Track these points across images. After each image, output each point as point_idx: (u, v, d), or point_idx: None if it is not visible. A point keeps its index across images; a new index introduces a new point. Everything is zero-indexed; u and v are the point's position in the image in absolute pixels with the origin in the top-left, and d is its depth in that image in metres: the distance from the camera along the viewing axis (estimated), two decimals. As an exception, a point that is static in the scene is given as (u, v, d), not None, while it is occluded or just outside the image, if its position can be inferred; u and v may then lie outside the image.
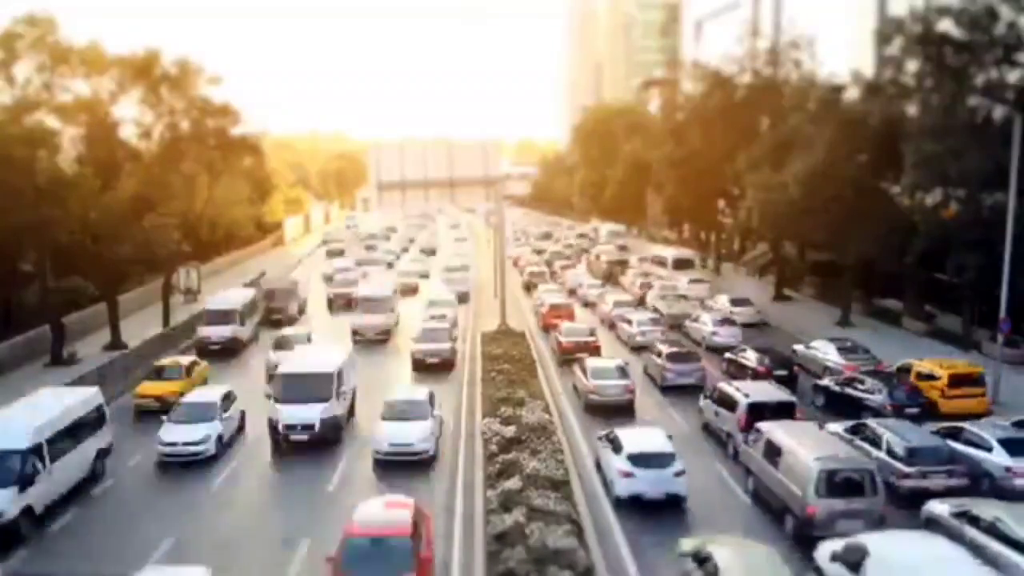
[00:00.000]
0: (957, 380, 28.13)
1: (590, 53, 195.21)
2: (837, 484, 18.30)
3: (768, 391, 25.55)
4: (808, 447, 19.39)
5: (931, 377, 28.61)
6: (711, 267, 67.98)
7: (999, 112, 33.33)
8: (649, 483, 20.62)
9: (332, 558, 15.74)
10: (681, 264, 60.91)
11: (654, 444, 21.43)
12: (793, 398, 25.65)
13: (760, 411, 23.66)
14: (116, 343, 40.24)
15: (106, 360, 34.41)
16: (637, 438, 21.92)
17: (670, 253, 64.49)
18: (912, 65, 35.75)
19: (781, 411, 23.93)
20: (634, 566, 17.86)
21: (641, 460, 20.78)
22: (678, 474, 20.77)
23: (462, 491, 21.98)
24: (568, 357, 35.11)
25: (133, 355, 36.25)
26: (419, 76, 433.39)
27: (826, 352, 33.65)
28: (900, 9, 38.64)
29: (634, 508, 20.61)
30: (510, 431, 23.06)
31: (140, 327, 43.14)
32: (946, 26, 33.86)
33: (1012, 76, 32.95)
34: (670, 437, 22.15)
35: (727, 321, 40.04)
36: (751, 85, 53.88)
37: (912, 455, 20.80)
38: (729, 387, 26.03)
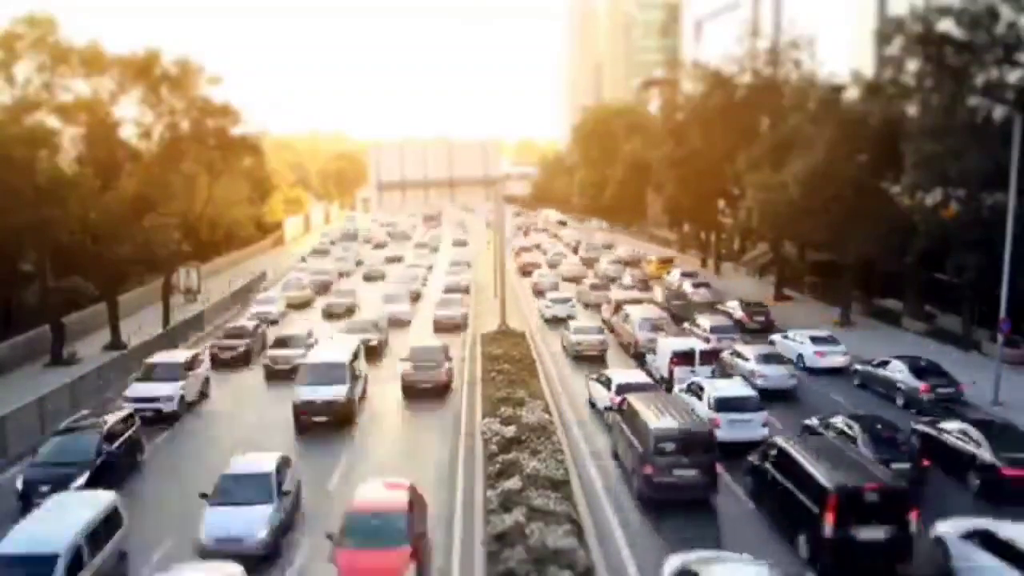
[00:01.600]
0: (661, 261, 65.25)
1: (590, 53, 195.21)
2: (650, 326, 37.22)
3: (650, 309, 41.03)
4: (639, 311, 39.33)
5: (648, 261, 66.42)
6: (711, 267, 68.01)
7: (999, 112, 33.33)
8: (558, 311, 45.46)
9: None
10: (561, 224, 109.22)
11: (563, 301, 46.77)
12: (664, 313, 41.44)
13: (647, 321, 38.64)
14: (116, 343, 40.25)
15: (106, 360, 34.46)
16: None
17: (556, 216, 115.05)
18: (912, 65, 35.73)
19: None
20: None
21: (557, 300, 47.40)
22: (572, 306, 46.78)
23: (462, 487, 22.08)
24: (525, 271, 64.33)
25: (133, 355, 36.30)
26: (419, 75, 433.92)
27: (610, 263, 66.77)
28: (900, 9, 38.62)
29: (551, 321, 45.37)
30: (510, 431, 23.07)
31: (140, 327, 43.15)
32: (946, 26, 33.84)
33: (1012, 76, 32.93)
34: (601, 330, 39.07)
35: (617, 261, 67.93)
36: (751, 85, 53.89)
37: (713, 330, 37.57)
38: (628, 308, 40.60)
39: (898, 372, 30.06)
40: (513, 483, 19.16)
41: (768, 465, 19.95)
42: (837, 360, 34.40)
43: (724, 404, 24.84)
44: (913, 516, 16.84)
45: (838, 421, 23.38)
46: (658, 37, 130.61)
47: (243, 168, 52.10)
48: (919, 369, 29.77)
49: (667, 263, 64.39)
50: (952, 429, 22.86)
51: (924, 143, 34.46)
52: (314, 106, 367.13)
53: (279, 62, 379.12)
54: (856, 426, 22.50)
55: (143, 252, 41.06)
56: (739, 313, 44.26)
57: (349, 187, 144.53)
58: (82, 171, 38.62)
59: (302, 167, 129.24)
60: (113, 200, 38.17)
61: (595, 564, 16.94)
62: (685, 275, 55.98)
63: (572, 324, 39.39)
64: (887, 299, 46.40)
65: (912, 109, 37.71)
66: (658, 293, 51.03)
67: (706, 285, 53.19)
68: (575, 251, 78.69)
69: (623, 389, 26.32)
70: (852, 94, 41.44)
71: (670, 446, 20.21)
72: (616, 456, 24.09)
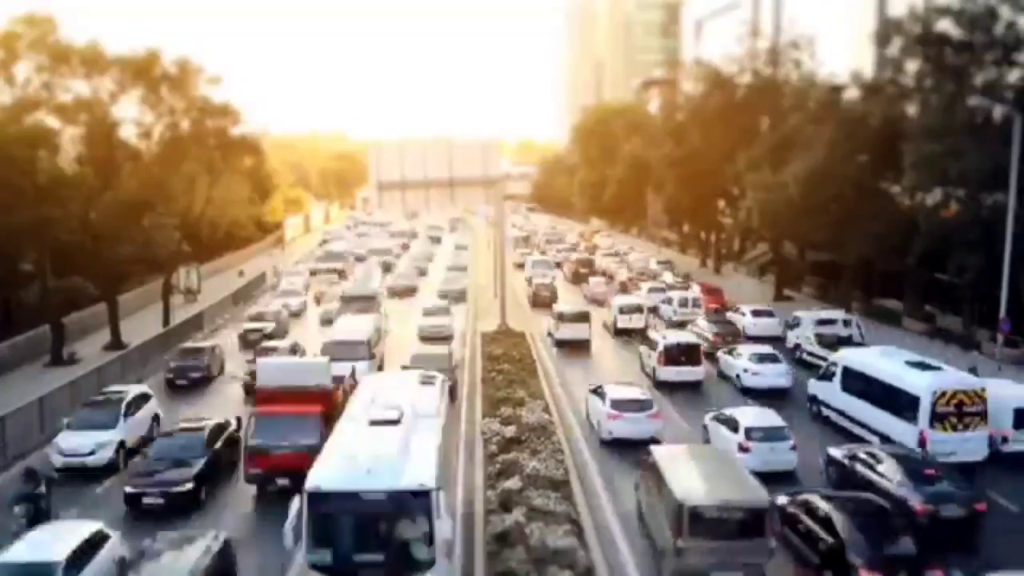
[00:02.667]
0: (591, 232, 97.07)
1: (590, 53, 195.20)
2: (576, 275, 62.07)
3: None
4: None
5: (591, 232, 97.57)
6: (711, 267, 68.02)
7: (999, 112, 33.35)
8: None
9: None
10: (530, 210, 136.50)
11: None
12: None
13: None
14: (116, 343, 40.24)
15: (106, 360, 34.45)
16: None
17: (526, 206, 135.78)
18: (912, 65, 35.80)
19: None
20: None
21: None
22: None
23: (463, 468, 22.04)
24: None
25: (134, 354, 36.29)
26: (419, 76, 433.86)
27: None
28: (900, 9, 38.66)
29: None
30: (510, 431, 23.07)
31: (140, 327, 43.14)
32: (945, 26, 33.91)
33: (1012, 76, 32.98)
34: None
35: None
36: (751, 85, 53.92)
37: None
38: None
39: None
40: (513, 483, 19.17)
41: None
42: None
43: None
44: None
45: None
46: (658, 37, 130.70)
47: (243, 168, 51.97)
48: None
49: (595, 232, 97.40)
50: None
51: (924, 143, 34.47)
52: (314, 106, 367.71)
53: (279, 62, 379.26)
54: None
55: (143, 252, 41.07)
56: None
57: (349, 187, 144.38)
58: (82, 171, 38.60)
59: (302, 167, 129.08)
60: (113, 200, 38.14)
61: (595, 564, 16.94)
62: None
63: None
64: (887, 299, 46.40)
65: (912, 109, 37.74)
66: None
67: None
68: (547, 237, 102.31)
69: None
70: (852, 94, 41.47)
71: None
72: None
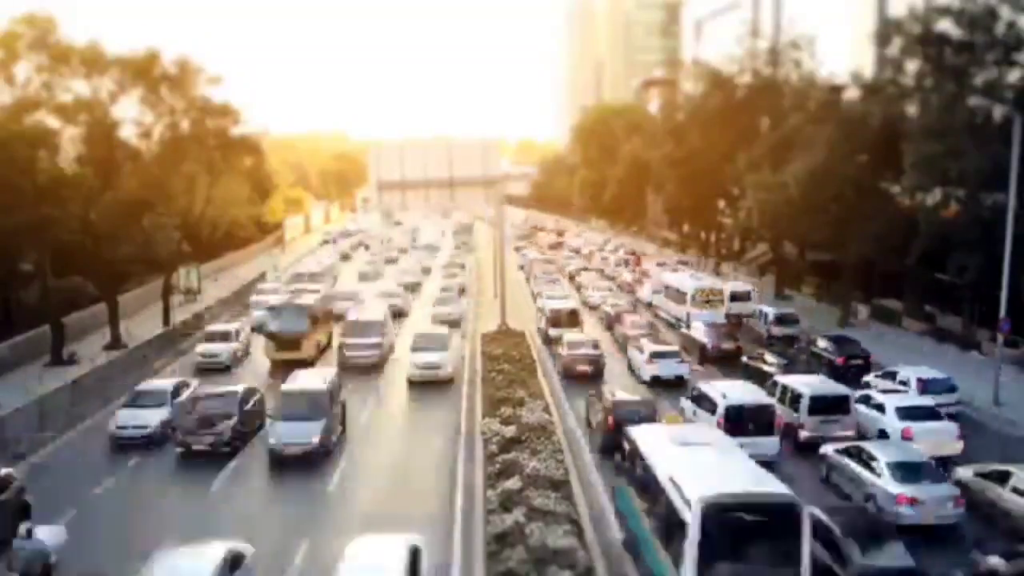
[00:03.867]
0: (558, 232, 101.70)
1: (590, 53, 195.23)
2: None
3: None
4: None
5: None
6: (711, 267, 68.01)
7: (999, 112, 33.32)
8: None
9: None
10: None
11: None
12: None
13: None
14: (116, 343, 40.22)
15: (106, 360, 34.43)
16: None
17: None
18: (912, 65, 35.79)
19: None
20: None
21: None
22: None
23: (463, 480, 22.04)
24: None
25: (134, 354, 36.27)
26: (419, 76, 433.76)
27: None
28: (900, 9, 38.65)
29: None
30: (510, 431, 23.07)
31: (140, 327, 43.12)
32: (945, 26, 33.89)
33: (1012, 76, 32.95)
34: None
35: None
36: (751, 85, 53.89)
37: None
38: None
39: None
40: (513, 483, 19.16)
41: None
42: None
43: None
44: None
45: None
46: (658, 37, 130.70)
47: (243, 168, 51.95)
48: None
49: (559, 221, 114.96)
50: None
51: (924, 143, 34.42)
52: (314, 106, 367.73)
53: (279, 62, 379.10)
54: None
55: (143, 252, 41.01)
56: None
57: (349, 187, 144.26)
58: (82, 171, 38.59)
59: (302, 167, 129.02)
60: (113, 200, 38.11)
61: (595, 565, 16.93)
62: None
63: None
64: (887, 299, 46.38)
65: (912, 109, 37.71)
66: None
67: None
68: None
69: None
70: (852, 94, 41.44)
71: None
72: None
